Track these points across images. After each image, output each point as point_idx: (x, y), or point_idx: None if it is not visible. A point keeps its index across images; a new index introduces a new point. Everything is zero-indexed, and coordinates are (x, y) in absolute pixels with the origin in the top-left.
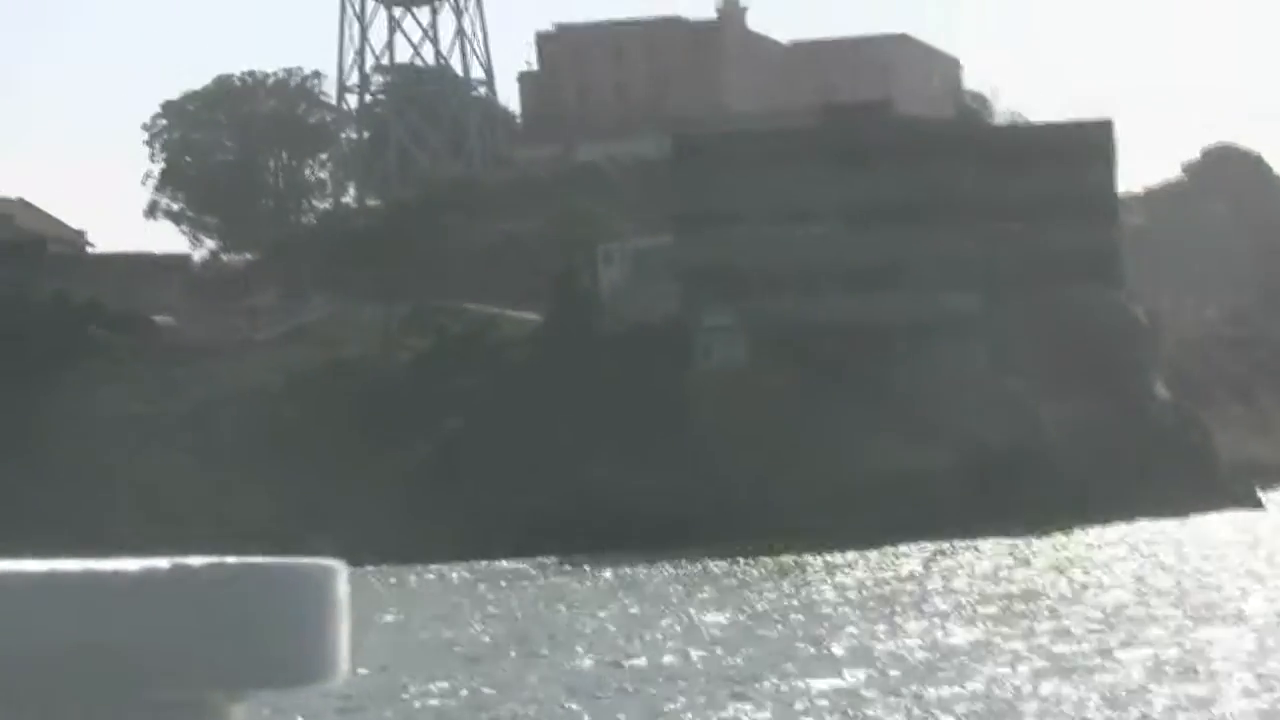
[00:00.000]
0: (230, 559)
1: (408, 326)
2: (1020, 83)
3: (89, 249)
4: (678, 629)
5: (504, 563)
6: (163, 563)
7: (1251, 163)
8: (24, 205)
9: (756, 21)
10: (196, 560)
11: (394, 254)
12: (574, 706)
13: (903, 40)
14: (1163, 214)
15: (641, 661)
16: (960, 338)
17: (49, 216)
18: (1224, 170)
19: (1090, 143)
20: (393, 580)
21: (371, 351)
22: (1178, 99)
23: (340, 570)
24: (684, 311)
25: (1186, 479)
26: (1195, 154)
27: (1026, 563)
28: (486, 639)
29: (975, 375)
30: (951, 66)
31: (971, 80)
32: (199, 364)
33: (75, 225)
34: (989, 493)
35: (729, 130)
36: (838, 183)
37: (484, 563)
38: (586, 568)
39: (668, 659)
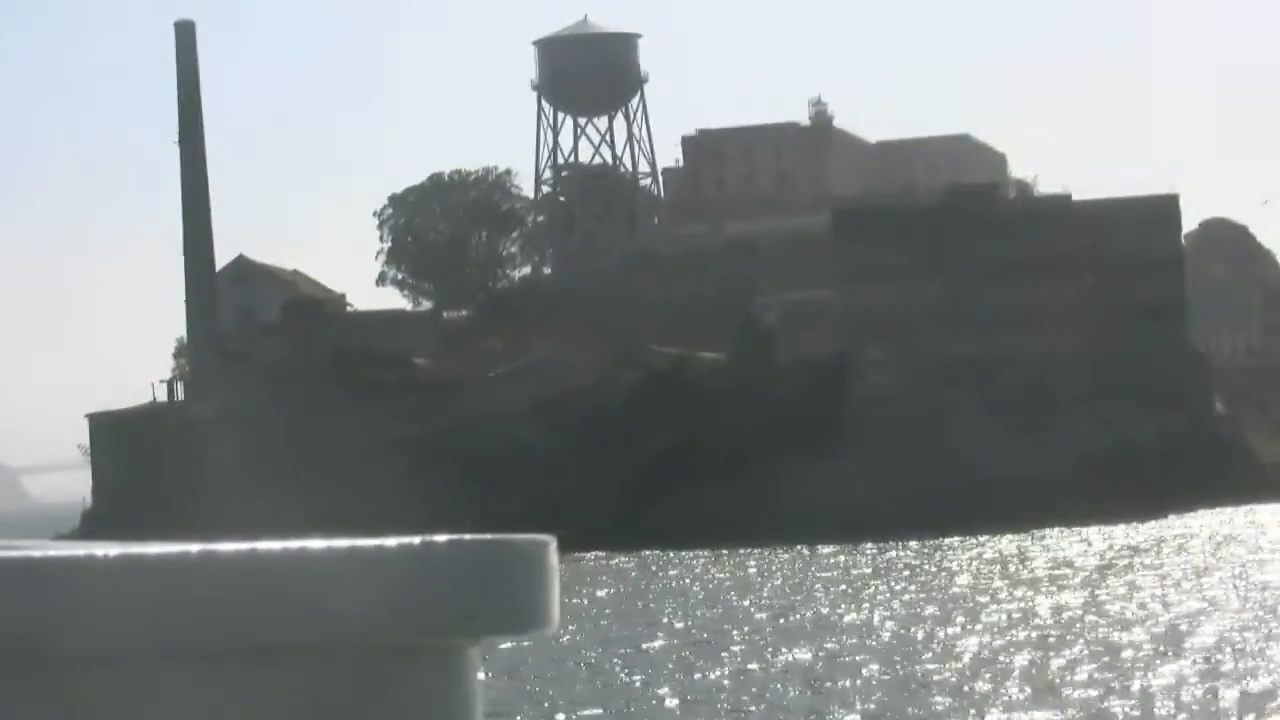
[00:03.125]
0: (480, 536)
1: (618, 365)
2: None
3: (349, 308)
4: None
5: (705, 551)
6: (442, 539)
7: (1240, 232)
8: (298, 274)
9: (841, 123)
10: (462, 538)
11: (597, 308)
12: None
13: (964, 139)
14: None
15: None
16: (1067, 368)
17: (318, 283)
18: (1219, 238)
19: (1161, 211)
20: (627, 561)
21: (590, 384)
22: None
23: (551, 543)
24: (843, 348)
25: (1242, 477)
26: (1194, 226)
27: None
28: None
29: (1081, 398)
30: (1000, 159)
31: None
32: (451, 395)
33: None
34: (1098, 489)
35: (876, 206)
36: (963, 248)
37: (691, 552)
38: (798, 549)
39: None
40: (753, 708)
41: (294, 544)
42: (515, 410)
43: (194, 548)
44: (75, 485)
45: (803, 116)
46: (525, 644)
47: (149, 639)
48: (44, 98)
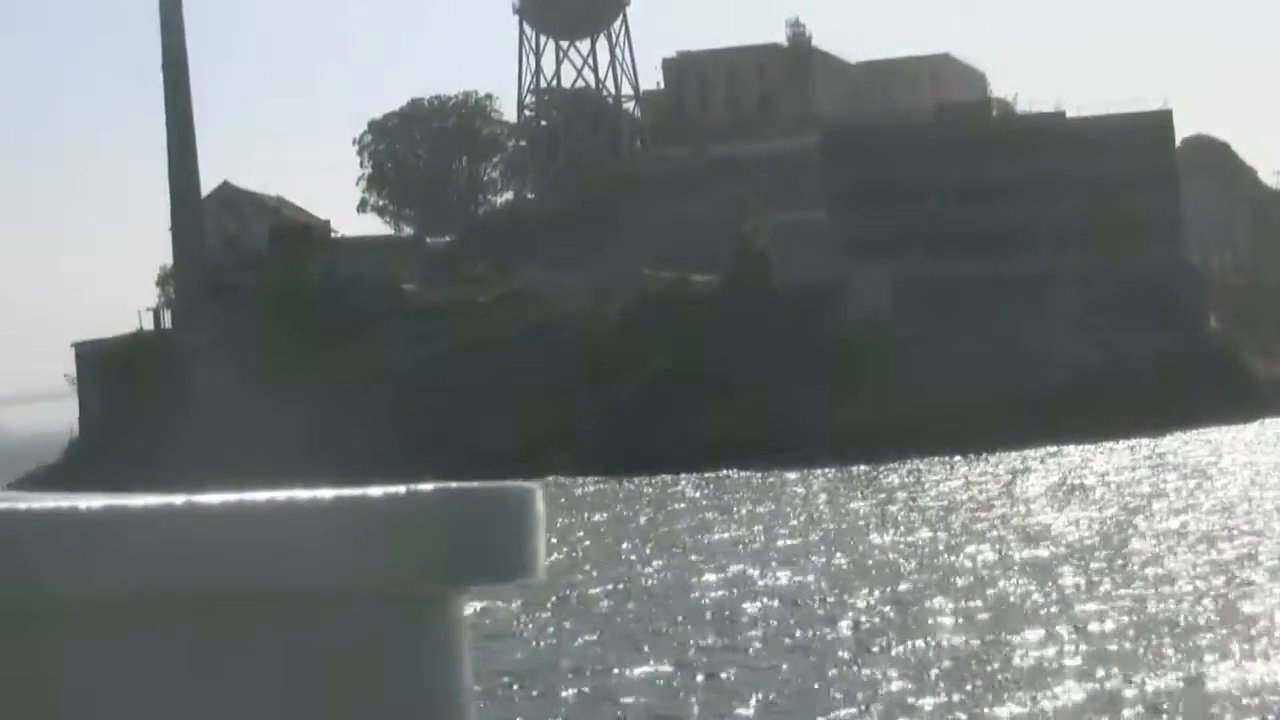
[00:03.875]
0: (465, 485)
1: (610, 290)
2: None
3: (333, 234)
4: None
5: (706, 473)
6: (427, 488)
7: (1222, 149)
8: (283, 200)
9: (820, 43)
10: (448, 486)
11: (584, 232)
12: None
13: (946, 59)
14: None
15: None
16: (1060, 287)
17: (302, 209)
18: (1203, 155)
19: (1155, 128)
20: (630, 485)
21: (583, 309)
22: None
23: (537, 491)
24: (837, 271)
25: (1235, 394)
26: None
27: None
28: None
29: (1074, 316)
30: (980, 78)
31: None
32: (440, 322)
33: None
34: (1091, 406)
35: (865, 126)
36: (956, 166)
37: (693, 474)
38: (778, 473)
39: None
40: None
41: (281, 494)
42: (506, 337)
43: (180, 499)
44: (58, 416)
45: (782, 38)
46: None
47: (137, 589)
48: (26, 25)
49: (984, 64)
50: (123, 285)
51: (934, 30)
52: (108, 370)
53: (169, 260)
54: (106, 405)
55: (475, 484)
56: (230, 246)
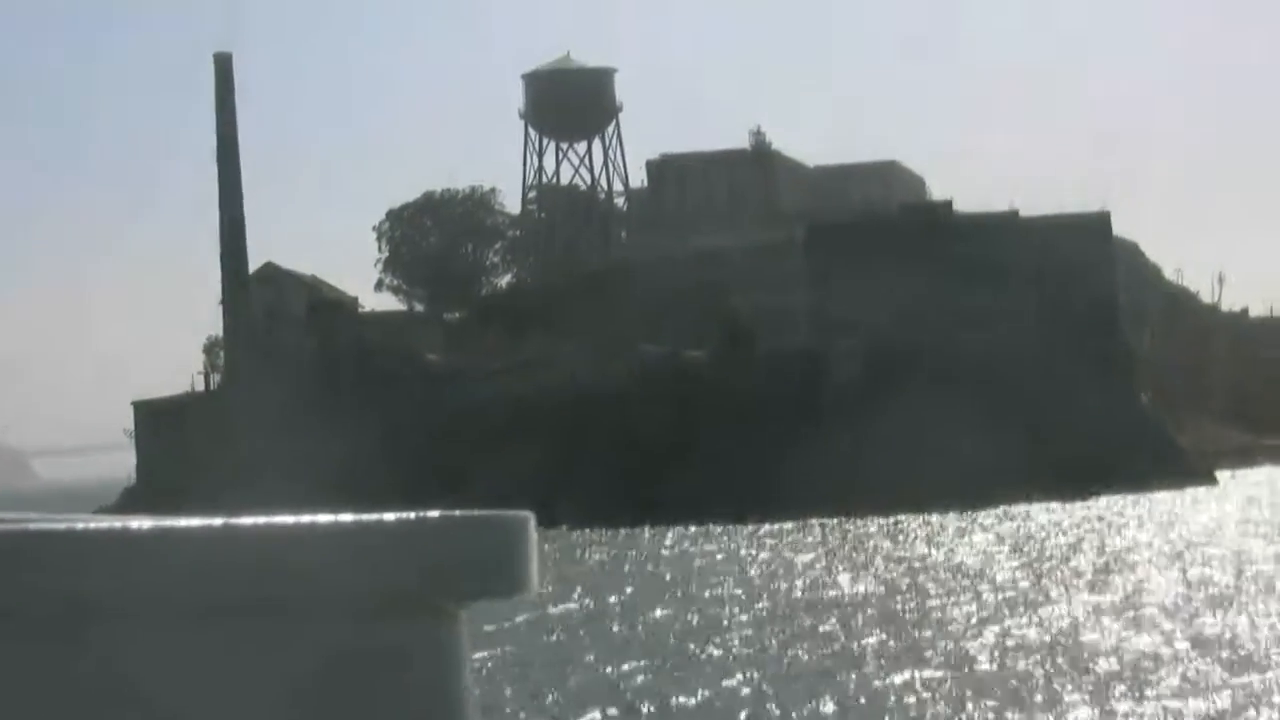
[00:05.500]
0: (468, 512)
1: (607, 359)
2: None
3: (360, 309)
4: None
5: (690, 527)
6: (435, 513)
7: (1133, 247)
8: (317, 279)
9: (780, 146)
10: (453, 513)
11: (582, 310)
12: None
13: (893, 165)
14: None
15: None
16: (1011, 362)
17: (334, 286)
18: (1121, 252)
19: (1094, 226)
20: (622, 533)
21: (585, 376)
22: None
23: (530, 518)
24: (815, 343)
25: (1162, 463)
26: None
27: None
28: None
29: (1023, 390)
30: (921, 182)
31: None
32: (457, 385)
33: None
34: (1035, 469)
35: (842, 221)
36: (920, 256)
37: (693, 527)
38: (767, 526)
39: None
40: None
41: (304, 517)
42: (517, 397)
43: (217, 520)
44: (117, 465)
45: (746, 142)
46: (511, 609)
47: (176, 598)
48: (98, 114)
49: (924, 170)
50: (173, 349)
51: (876, 138)
52: (162, 424)
53: (215, 327)
54: (161, 455)
55: (476, 511)
56: (271, 317)
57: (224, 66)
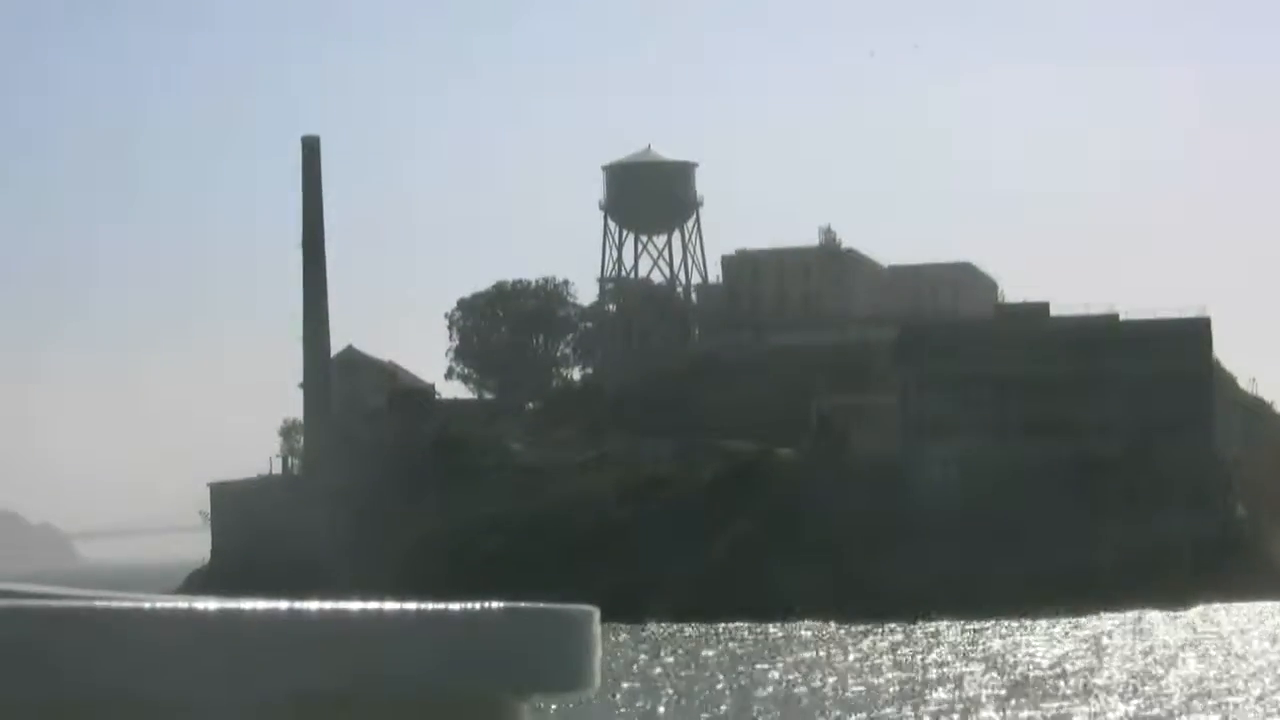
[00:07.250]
0: (531, 605)
1: (696, 457)
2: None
3: (437, 396)
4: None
5: (781, 625)
6: (498, 605)
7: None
8: (396, 365)
9: (851, 244)
10: (516, 605)
11: (656, 403)
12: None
13: (966, 266)
14: None
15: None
16: (1104, 473)
17: (410, 374)
18: None
19: (1194, 332)
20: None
21: (671, 473)
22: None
23: (594, 613)
24: (907, 448)
25: (1259, 574)
26: None
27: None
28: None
29: (1119, 500)
30: (993, 285)
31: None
32: (539, 477)
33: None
34: (1136, 581)
35: (937, 324)
36: (1015, 361)
37: (773, 625)
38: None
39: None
40: None
41: (371, 606)
42: (602, 494)
43: (282, 605)
44: (192, 547)
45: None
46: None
47: (239, 686)
48: (185, 199)
49: (996, 272)
50: (250, 433)
51: (948, 238)
52: (238, 507)
53: (293, 410)
54: (236, 538)
55: (540, 605)
56: (351, 404)
57: (311, 150)
